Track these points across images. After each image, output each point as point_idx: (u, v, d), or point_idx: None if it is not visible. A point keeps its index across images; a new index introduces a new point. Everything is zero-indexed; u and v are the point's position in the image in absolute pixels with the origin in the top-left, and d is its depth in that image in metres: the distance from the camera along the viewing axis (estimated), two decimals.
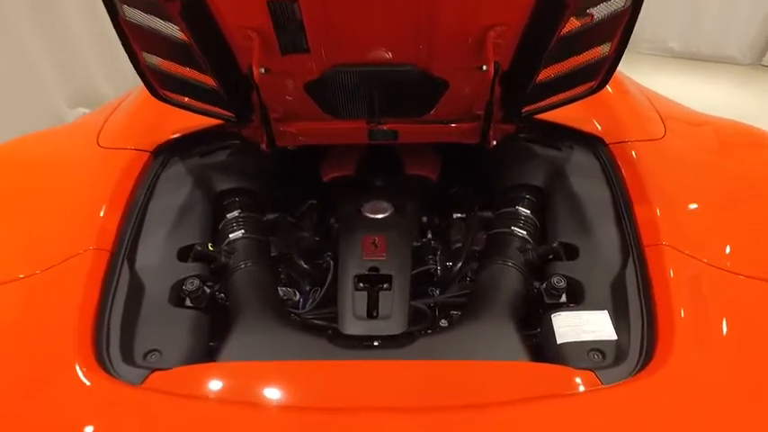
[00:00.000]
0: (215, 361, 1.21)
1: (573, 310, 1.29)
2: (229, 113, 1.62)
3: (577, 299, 1.33)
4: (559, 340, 1.23)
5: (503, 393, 1.08)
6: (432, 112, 1.59)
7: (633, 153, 1.59)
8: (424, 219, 1.75)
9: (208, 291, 1.39)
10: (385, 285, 1.37)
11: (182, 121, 1.75)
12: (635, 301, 1.25)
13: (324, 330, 1.40)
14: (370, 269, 1.40)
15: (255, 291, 1.42)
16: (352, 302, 1.33)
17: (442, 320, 1.49)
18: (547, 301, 1.35)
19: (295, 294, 1.59)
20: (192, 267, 1.43)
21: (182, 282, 1.38)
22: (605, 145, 1.65)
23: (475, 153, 1.79)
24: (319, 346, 1.25)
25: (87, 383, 1.09)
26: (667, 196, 1.43)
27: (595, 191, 1.55)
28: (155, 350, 1.22)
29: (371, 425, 1.03)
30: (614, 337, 1.21)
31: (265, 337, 1.28)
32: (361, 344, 1.26)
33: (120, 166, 1.61)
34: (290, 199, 1.86)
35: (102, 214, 1.45)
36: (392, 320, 1.30)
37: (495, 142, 1.66)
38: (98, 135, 1.76)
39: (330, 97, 1.52)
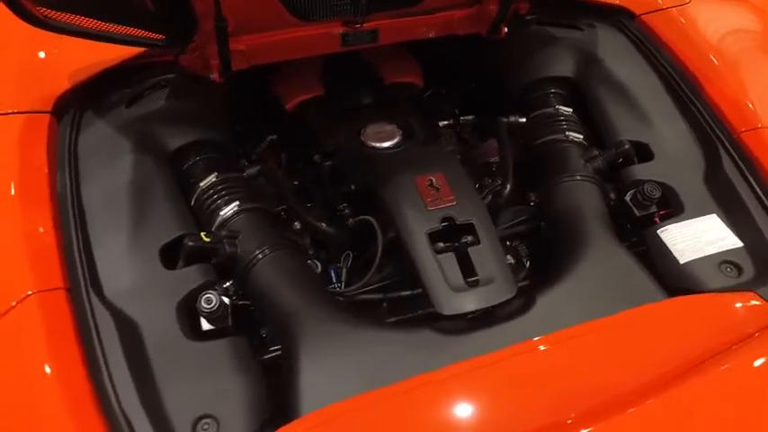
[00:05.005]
0: (300, 407, 0.85)
1: (677, 221, 1.11)
2: (157, 35, 1.08)
3: (670, 206, 1.15)
4: (682, 259, 1.05)
5: (702, 346, 0.87)
6: None
7: (674, 23, 1.37)
8: None
9: (227, 301, 0.98)
10: (469, 238, 1.06)
11: (74, 57, 1.18)
12: (750, 197, 1.10)
13: (413, 316, 1.09)
14: (443, 220, 1.07)
15: (294, 288, 1.02)
16: (441, 271, 1.01)
17: (507, 256, 1.24)
18: (638, 214, 1.16)
19: (316, 266, 1.21)
20: (190, 274, 1.00)
21: (188, 299, 0.96)
22: (634, 17, 1.42)
23: (450, 47, 1.48)
24: (429, 343, 0.93)
25: None
26: (739, 69, 1.25)
27: (641, 74, 1.33)
28: (206, 416, 0.83)
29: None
30: (739, 243, 1.06)
31: (349, 352, 0.92)
32: (477, 324, 0.97)
33: (11, 142, 1.03)
34: (241, 138, 1.41)
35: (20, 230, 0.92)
36: (498, 282, 1.01)
37: (506, 29, 1.36)
38: None
39: None
